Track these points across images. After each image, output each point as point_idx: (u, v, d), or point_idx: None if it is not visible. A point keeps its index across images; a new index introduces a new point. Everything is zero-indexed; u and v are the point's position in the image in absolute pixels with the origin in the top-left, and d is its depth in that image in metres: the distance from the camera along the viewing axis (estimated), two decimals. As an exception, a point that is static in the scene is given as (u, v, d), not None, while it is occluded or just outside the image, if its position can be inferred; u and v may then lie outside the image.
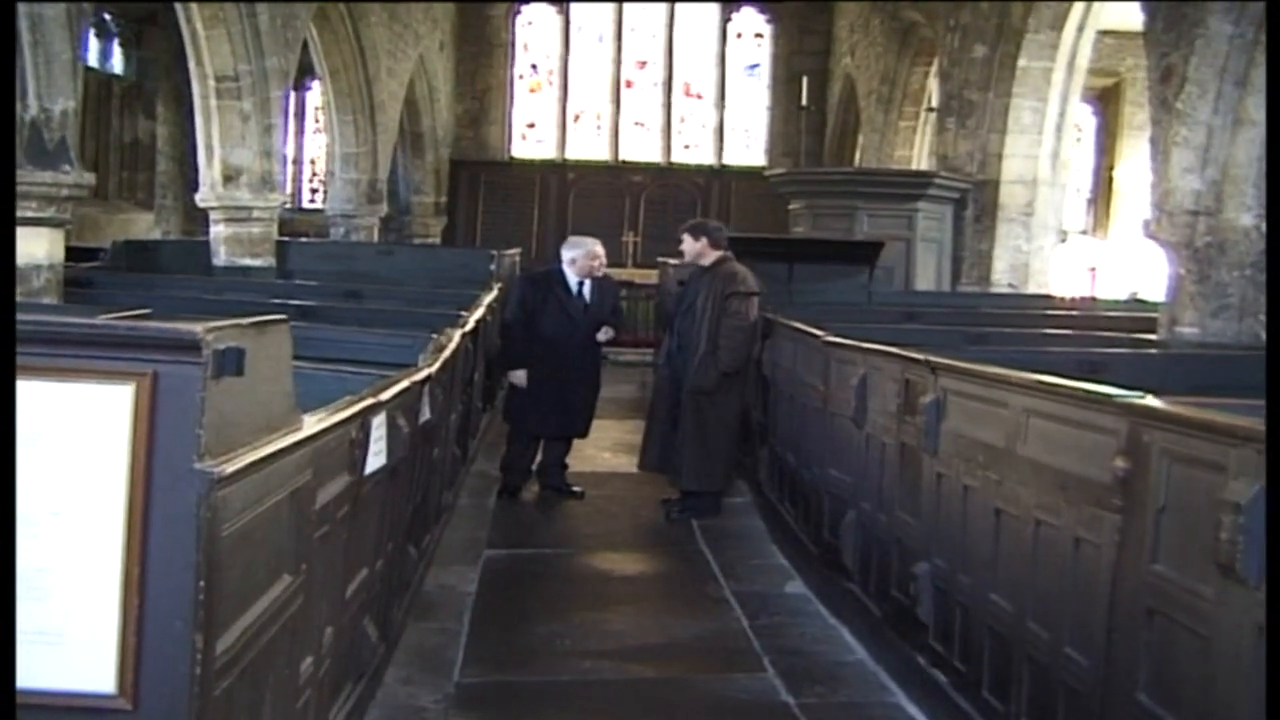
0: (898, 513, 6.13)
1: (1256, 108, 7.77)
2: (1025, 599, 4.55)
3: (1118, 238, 22.85)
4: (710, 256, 9.09)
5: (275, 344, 3.31)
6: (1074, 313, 11.40)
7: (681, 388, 9.05)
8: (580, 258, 9.49)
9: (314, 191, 25.60)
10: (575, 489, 9.72)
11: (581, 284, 9.54)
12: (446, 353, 7.24)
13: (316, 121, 25.02)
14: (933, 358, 5.75)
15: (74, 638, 2.77)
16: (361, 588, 4.93)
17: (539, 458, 9.84)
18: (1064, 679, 4.19)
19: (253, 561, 3.23)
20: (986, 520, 4.94)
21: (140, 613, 2.78)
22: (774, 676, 6.00)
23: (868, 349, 6.81)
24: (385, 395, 4.88)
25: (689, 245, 9.17)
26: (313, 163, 25.74)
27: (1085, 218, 23.65)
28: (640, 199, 25.96)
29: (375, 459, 4.78)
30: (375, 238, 19.54)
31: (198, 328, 2.78)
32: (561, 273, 9.59)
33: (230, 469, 2.88)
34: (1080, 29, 13.05)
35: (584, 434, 9.86)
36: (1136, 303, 14.09)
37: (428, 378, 6.23)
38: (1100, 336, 8.63)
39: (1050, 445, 4.46)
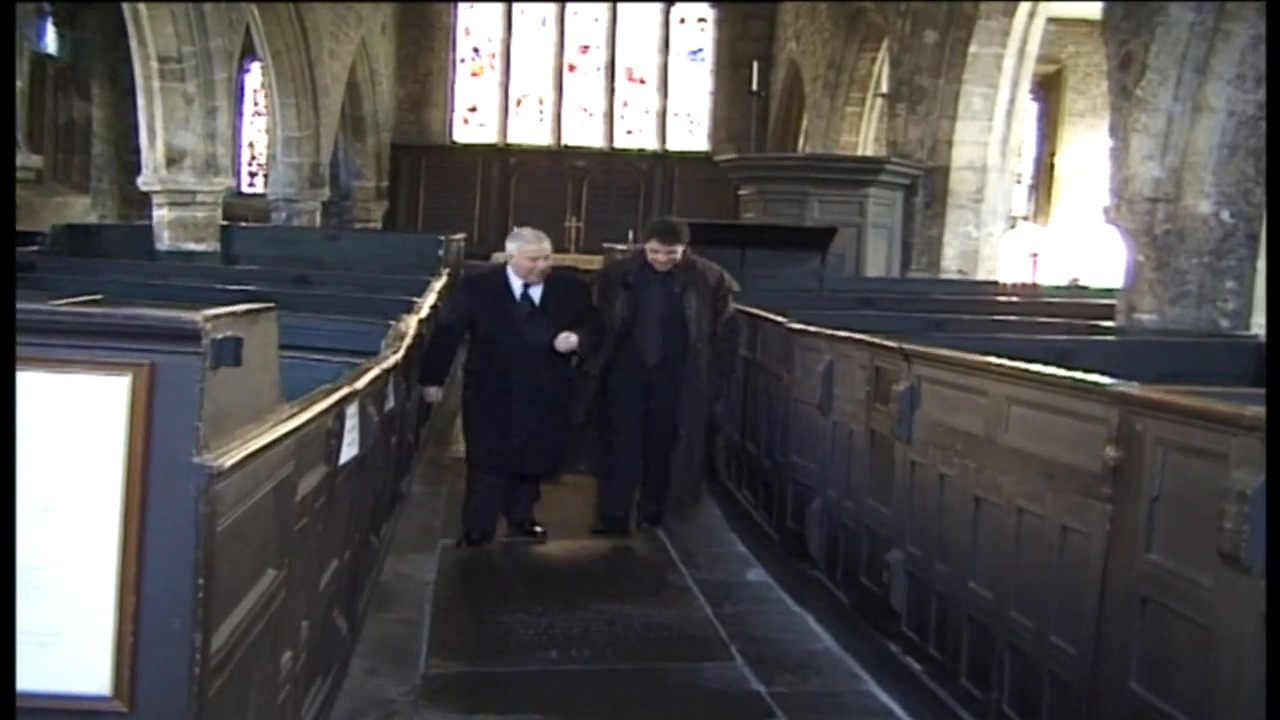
0: (867, 500, 6.11)
1: (1216, 95, 7.79)
2: (1007, 587, 4.53)
3: (1059, 224, 22.99)
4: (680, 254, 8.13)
5: (264, 333, 3.23)
6: (1028, 299, 11.41)
7: (651, 401, 8.15)
8: (516, 255, 7.73)
9: (253, 175, 25.31)
10: (536, 528, 8.14)
11: (528, 286, 7.75)
12: (408, 340, 7.17)
13: (256, 104, 24.74)
14: (906, 345, 5.72)
15: (69, 638, 2.67)
16: (333, 579, 4.86)
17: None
18: (1050, 667, 4.17)
19: (242, 557, 3.15)
20: (965, 509, 4.92)
21: (137, 612, 2.69)
22: (743, 665, 5.96)
23: (835, 336, 6.78)
24: (360, 384, 4.80)
25: (676, 252, 8.02)
26: (251, 146, 25.44)
27: (1027, 204, 23.76)
28: (583, 184, 25.88)
29: (349, 449, 4.70)
30: (318, 222, 19.35)
31: (197, 316, 2.68)
32: (505, 273, 7.84)
33: (228, 463, 2.79)
34: (1031, 15, 13.10)
35: (544, 474, 8.12)
36: (1078, 289, 14.19)
37: (394, 365, 6.14)
38: (1059, 323, 8.64)
39: (1034, 433, 4.44)
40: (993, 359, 4.94)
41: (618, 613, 6.72)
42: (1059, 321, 8.79)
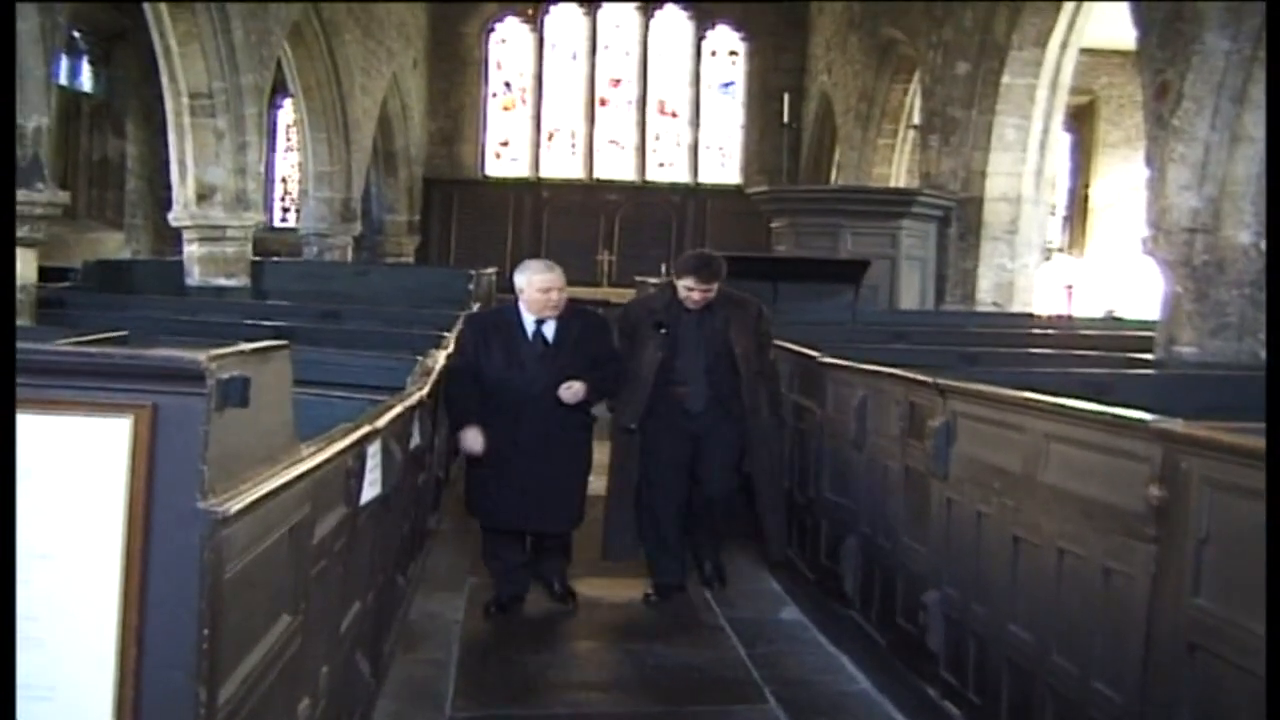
0: (903, 539, 5.96)
1: (1254, 124, 7.66)
2: (1048, 631, 4.38)
3: (1093, 256, 22.81)
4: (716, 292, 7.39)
5: (277, 371, 3.12)
6: (1064, 332, 11.25)
7: (700, 453, 7.40)
8: (526, 288, 6.97)
9: (285, 210, 25.37)
10: (564, 591, 7.42)
11: (540, 322, 7.02)
12: (434, 375, 7.07)
13: (288, 140, 24.81)
14: (941, 380, 5.59)
15: (66, 692, 2.55)
16: (355, 622, 4.74)
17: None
18: (1093, 714, 4.02)
19: (253, 603, 3.04)
20: (1003, 548, 4.77)
21: (139, 664, 2.57)
22: (776, 707, 5.81)
23: (868, 370, 6.66)
24: (381, 422, 4.69)
25: (713, 290, 7.27)
26: (284, 181, 25.50)
27: (1061, 236, 23.60)
28: (615, 218, 25.83)
29: (370, 489, 4.59)
30: (349, 257, 19.38)
31: (200, 356, 2.58)
32: (516, 310, 7.08)
33: (235, 508, 2.68)
34: (1063, 46, 12.97)
35: (562, 529, 7.29)
36: (1113, 321, 14.03)
37: (419, 402, 6.04)
38: (1095, 356, 8.48)
39: (1074, 471, 4.30)
40: (1030, 394, 4.80)
41: (648, 652, 6.58)
42: (1096, 355, 8.63)
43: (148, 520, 2.59)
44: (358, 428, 4.35)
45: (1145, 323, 12.99)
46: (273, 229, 23.42)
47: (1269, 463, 2.62)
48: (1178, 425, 3.66)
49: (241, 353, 2.80)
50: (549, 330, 7.02)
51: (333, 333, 9.66)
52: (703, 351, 7.35)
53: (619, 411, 7.39)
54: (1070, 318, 15.47)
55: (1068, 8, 12.70)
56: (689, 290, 7.26)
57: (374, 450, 4.64)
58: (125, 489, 2.58)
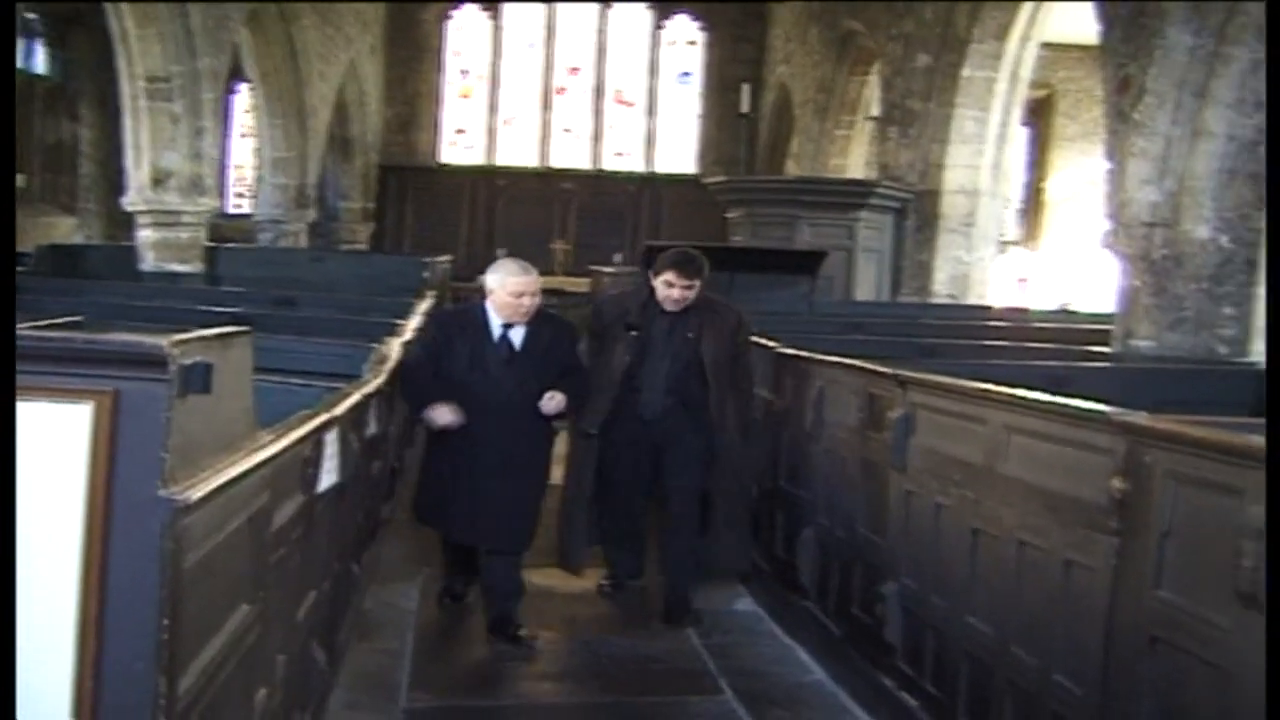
0: (860, 530, 5.96)
1: (1215, 119, 7.69)
2: (1008, 622, 4.39)
3: (1048, 249, 22.92)
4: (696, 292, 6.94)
5: (238, 358, 3.08)
6: (1020, 324, 11.30)
7: (661, 466, 7.02)
8: (498, 290, 6.42)
9: (239, 196, 25.15)
10: (521, 633, 6.58)
11: (508, 326, 6.50)
12: (390, 364, 7.02)
13: (243, 125, 24.61)
14: (901, 371, 5.58)
15: (24, 683, 2.49)
16: (311, 611, 4.70)
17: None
18: (1054, 707, 4.02)
19: (212, 593, 3.00)
20: (963, 540, 4.78)
21: (98, 655, 2.52)
22: (733, 699, 5.81)
23: (826, 361, 6.65)
24: (340, 410, 4.65)
25: (693, 289, 6.84)
26: (238, 167, 25.29)
27: (1016, 229, 23.69)
28: (571, 206, 25.77)
29: (328, 477, 4.55)
30: (304, 244, 19.25)
31: (163, 341, 2.53)
32: (483, 310, 6.55)
33: (196, 495, 2.64)
34: (1024, 40, 13.00)
35: (514, 548, 6.62)
36: (1067, 314, 14.10)
37: (377, 390, 6.00)
38: (1053, 349, 8.51)
39: (1035, 464, 4.30)
40: (991, 386, 4.81)
41: (603, 643, 6.58)
42: (1053, 347, 8.66)
43: (108, 508, 2.54)
44: (316, 415, 4.31)
45: (1099, 316, 13.11)
46: (227, 215, 23.22)
47: (1269, 463, 2.61)
48: (1141, 418, 3.66)
49: (203, 338, 2.75)
50: (516, 335, 6.49)
51: (288, 320, 9.55)
52: (668, 358, 6.90)
53: (581, 415, 6.92)
54: (1025, 310, 15.52)
55: (1028, 4, 12.74)
56: (668, 287, 6.80)
57: (332, 438, 4.60)
58: (86, 476, 2.53)
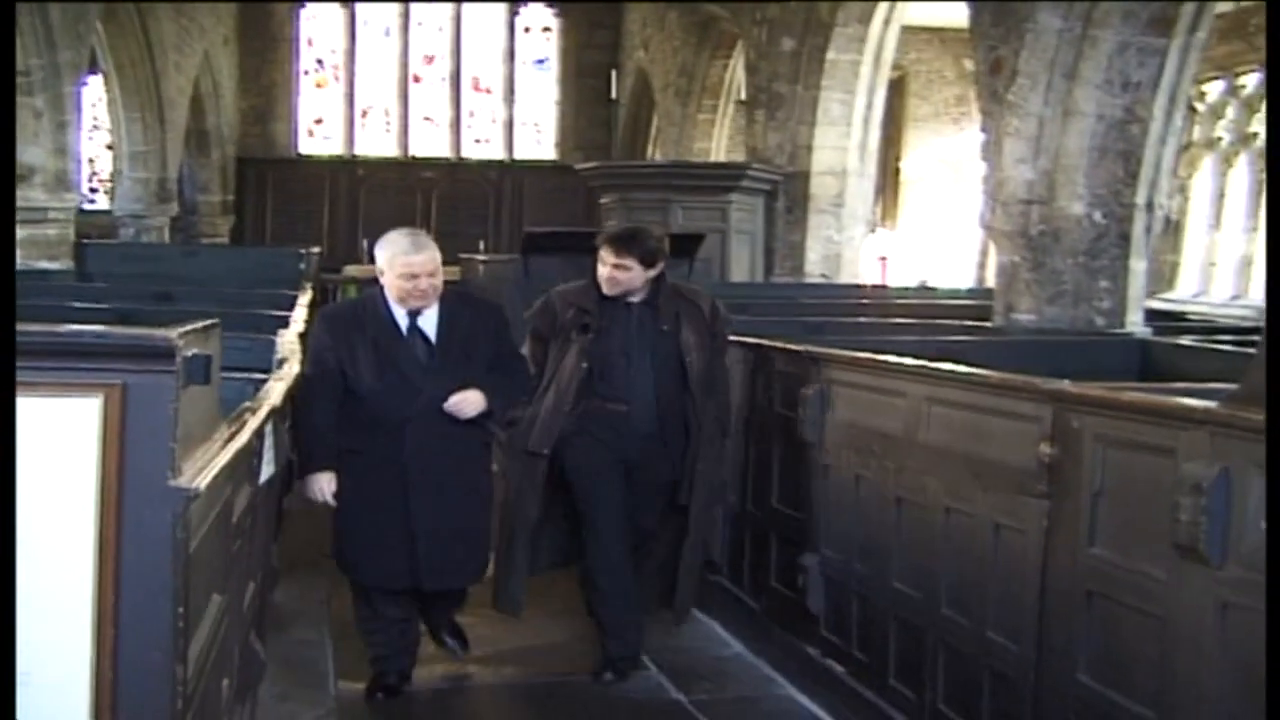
0: (775, 505, 6.13)
1: (1085, 99, 7.96)
2: (937, 586, 4.58)
3: (905, 228, 23.37)
4: (650, 275, 5.89)
5: (217, 349, 3.14)
6: (899, 301, 11.58)
7: (640, 486, 5.88)
8: (388, 271, 5.34)
9: (94, 191, 24.60)
10: (449, 642, 6.05)
11: (416, 315, 5.37)
12: (297, 356, 7.01)
13: (94, 119, 24.07)
14: (814, 349, 5.76)
15: (43, 677, 2.54)
16: (253, 600, 4.74)
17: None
18: (990, 664, 4.22)
19: (200, 583, 3.06)
20: (886, 510, 4.97)
21: (115, 645, 2.58)
22: (659, 674, 5.94)
23: (735, 341, 6.78)
24: (277, 400, 4.69)
25: (630, 270, 5.75)
26: (92, 161, 24.73)
27: (874, 208, 24.09)
28: (432, 195, 25.65)
29: (267, 467, 4.59)
30: (166, 238, 18.96)
31: (171, 333, 2.59)
32: (383, 299, 5.42)
33: (202, 484, 2.70)
34: (886, 23, 13.27)
35: (462, 583, 5.72)
36: (927, 290, 14.48)
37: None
38: (939, 324, 8.76)
39: (958, 433, 4.50)
40: (910, 360, 5.01)
41: (523, 625, 6.62)
42: (941, 323, 8.91)
43: (120, 500, 2.59)
44: (259, 406, 4.35)
45: (958, 292, 13.53)
46: (84, 211, 22.72)
47: (1269, 464, 2.81)
48: (1069, 386, 3.87)
49: (198, 330, 2.81)
50: (428, 324, 5.39)
51: (169, 315, 9.39)
52: (648, 356, 5.82)
53: (521, 429, 5.82)
54: (887, 288, 15.88)
55: (890, -13, 13.04)
56: (601, 265, 5.80)
57: (269, 430, 4.64)
58: (97, 469, 2.58)
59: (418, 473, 5.31)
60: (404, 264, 5.26)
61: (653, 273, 5.84)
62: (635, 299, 5.84)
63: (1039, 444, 3.93)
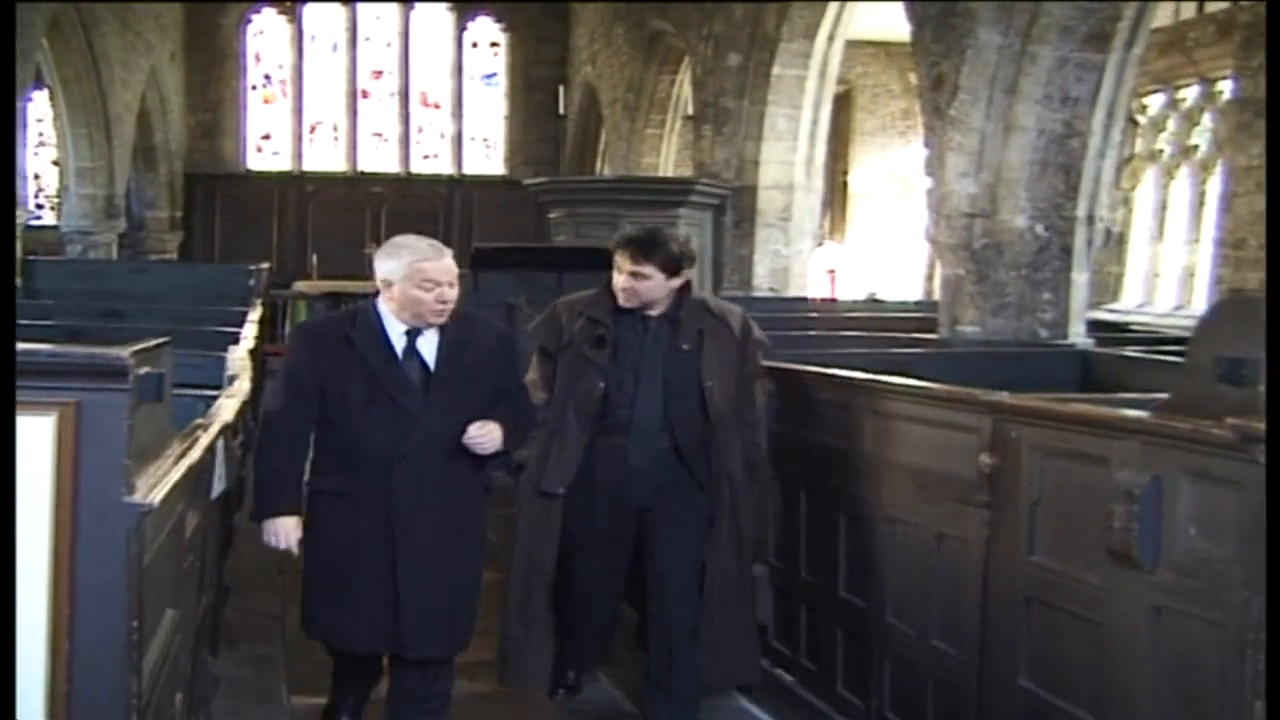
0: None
1: (1025, 114, 8.09)
2: (882, 595, 4.67)
3: (853, 241, 23.54)
4: (674, 286, 5.07)
5: (169, 366, 3.18)
6: (844, 315, 11.68)
7: (650, 533, 5.10)
8: (400, 281, 4.40)
9: (39, 208, 24.45)
10: None
11: (414, 335, 4.48)
12: (247, 374, 7.05)
13: (41, 135, 23.94)
14: (766, 362, 5.82)
15: (-3, 690, 2.58)
16: (204, 616, 4.78)
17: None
18: (934, 671, 4.31)
19: (153, 598, 3.09)
20: (831, 522, 5.04)
21: (70, 658, 2.62)
22: (610, 686, 5.98)
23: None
24: (229, 417, 4.73)
25: (649, 279, 4.95)
26: (38, 178, 24.58)
27: (822, 222, 24.24)
28: (381, 210, 25.62)
29: (219, 483, 4.63)
30: (114, 255, 18.89)
31: (124, 352, 2.64)
32: (375, 314, 4.51)
33: (156, 500, 2.75)
34: (831, 38, 13.40)
35: (445, 653, 4.66)
36: (875, 303, 14.61)
37: (247, 400, 6.06)
38: (885, 337, 8.85)
39: (901, 445, 4.59)
40: (855, 373, 5.09)
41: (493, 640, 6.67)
42: (886, 335, 9.00)
43: (74, 516, 2.63)
44: (211, 423, 4.39)
45: (906, 304, 13.65)
46: (30, 227, 22.60)
47: (1269, 462, 2.89)
48: (1006, 397, 3.96)
49: (149, 349, 2.85)
50: (427, 346, 4.50)
51: (119, 332, 9.43)
52: (660, 380, 5.03)
53: (535, 467, 5.14)
54: (836, 301, 16.01)
55: (834, 3, 13.15)
56: (617, 272, 5.02)
57: (220, 446, 4.67)
58: (51, 485, 2.62)
59: (406, 522, 4.41)
60: (429, 270, 4.38)
61: (676, 282, 5.02)
62: (654, 312, 5.05)
63: (979, 454, 4.02)
